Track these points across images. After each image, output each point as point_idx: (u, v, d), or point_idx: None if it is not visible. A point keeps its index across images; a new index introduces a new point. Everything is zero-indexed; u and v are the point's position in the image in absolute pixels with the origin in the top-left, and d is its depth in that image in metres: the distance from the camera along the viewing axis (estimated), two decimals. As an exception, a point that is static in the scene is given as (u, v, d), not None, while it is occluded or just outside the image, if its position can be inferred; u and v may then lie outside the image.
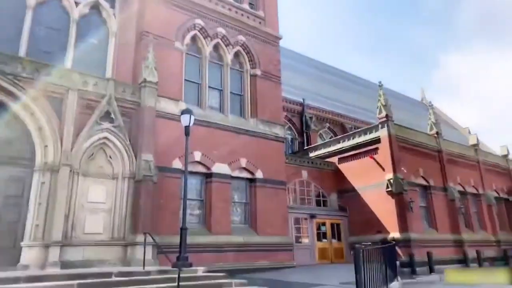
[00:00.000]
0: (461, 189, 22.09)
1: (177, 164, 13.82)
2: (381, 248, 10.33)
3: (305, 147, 24.85)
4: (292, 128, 27.97)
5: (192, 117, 11.25)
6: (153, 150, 12.91)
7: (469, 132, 51.60)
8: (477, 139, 24.90)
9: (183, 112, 11.34)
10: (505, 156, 27.52)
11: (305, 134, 27.87)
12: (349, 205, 19.86)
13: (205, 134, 15.17)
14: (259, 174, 16.44)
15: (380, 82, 20.03)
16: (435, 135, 21.54)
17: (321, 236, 18.83)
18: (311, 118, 28.54)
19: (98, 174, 11.84)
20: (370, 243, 14.40)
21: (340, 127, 30.60)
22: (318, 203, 20.09)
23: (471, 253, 19.69)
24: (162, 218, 12.80)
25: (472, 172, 23.42)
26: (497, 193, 24.77)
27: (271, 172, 16.89)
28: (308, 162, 20.38)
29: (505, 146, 28.61)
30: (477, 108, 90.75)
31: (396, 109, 40.46)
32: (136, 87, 13.40)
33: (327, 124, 30.38)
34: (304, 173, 19.91)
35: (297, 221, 18.40)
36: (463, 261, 18.86)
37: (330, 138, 26.37)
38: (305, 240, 18.33)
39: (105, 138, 12.04)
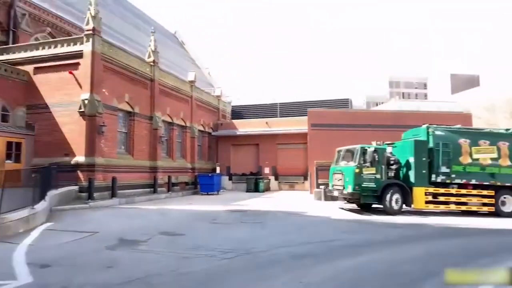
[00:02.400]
0: (169, 120, 23.21)
1: None
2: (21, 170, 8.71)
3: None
4: (-7, 21, 21.74)
5: None
6: None
7: (209, 73, 55.98)
8: (195, 76, 26.62)
9: None
10: (218, 96, 31.06)
11: (12, 33, 22.29)
12: (39, 123, 17.21)
13: None
14: None
15: (94, -12, 17.46)
16: (152, 63, 21.26)
17: (-10, 156, 15.58)
18: (24, 15, 22.93)
19: None
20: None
21: (66, 36, 26.18)
22: (-4, 117, 16.42)
23: (164, 178, 21.25)
24: None
25: (184, 106, 24.99)
26: (203, 127, 27.76)
27: None
28: (-15, 65, 16.04)
29: (220, 88, 32.32)
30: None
31: (144, 34, 37.47)
32: None
33: (49, 29, 25.37)
34: (-23, 78, 15.59)
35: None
36: (153, 186, 20.06)
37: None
38: (-37, 160, 14.69)
39: None
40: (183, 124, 24.91)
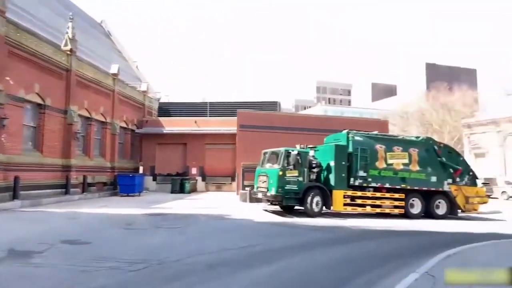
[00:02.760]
0: (87, 114, 21.44)
1: None
2: None
3: None
4: None
5: None
6: None
7: (137, 67, 53.17)
8: (118, 69, 24.92)
9: None
10: (144, 92, 29.55)
11: None
12: None
13: None
14: None
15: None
16: (69, 52, 19.40)
17: None
18: None
19: None
20: None
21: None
22: None
23: (79, 178, 19.52)
24: None
25: (104, 100, 23.28)
26: (126, 124, 26.15)
27: None
28: None
29: (147, 83, 30.81)
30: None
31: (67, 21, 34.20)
32: None
33: None
34: None
35: None
36: (65, 186, 18.31)
37: None
38: None
39: None
40: (103, 119, 23.19)
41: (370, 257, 7.70)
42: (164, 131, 27.32)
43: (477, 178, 16.55)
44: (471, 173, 15.89)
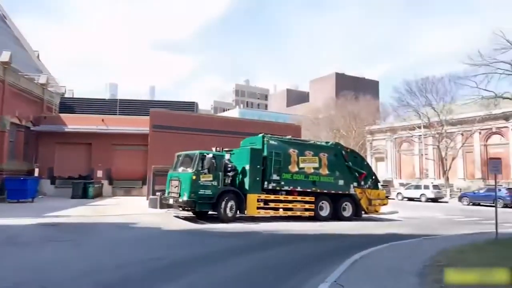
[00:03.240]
0: (-33, 107, 18.28)
1: None
2: None
3: None
4: None
5: None
6: None
7: (38, 57, 47.78)
8: (11, 57, 21.74)
9: None
10: (43, 85, 26.36)
11: None
12: None
13: None
14: None
15: None
16: None
17: None
18: None
19: None
20: None
21: None
22: None
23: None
24: None
25: (-9, 92, 20.11)
26: (20, 120, 22.97)
27: None
28: None
29: (47, 75, 27.59)
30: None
31: None
32: None
33: None
34: None
35: None
36: None
37: None
38: None
39: None
40: (-11, 114, 20.01)
41: (281, 266, 7.51)
42: (66, 129, 24.57)
43: (379, 182, 17.83)
44: (374, 177, 17.05)
